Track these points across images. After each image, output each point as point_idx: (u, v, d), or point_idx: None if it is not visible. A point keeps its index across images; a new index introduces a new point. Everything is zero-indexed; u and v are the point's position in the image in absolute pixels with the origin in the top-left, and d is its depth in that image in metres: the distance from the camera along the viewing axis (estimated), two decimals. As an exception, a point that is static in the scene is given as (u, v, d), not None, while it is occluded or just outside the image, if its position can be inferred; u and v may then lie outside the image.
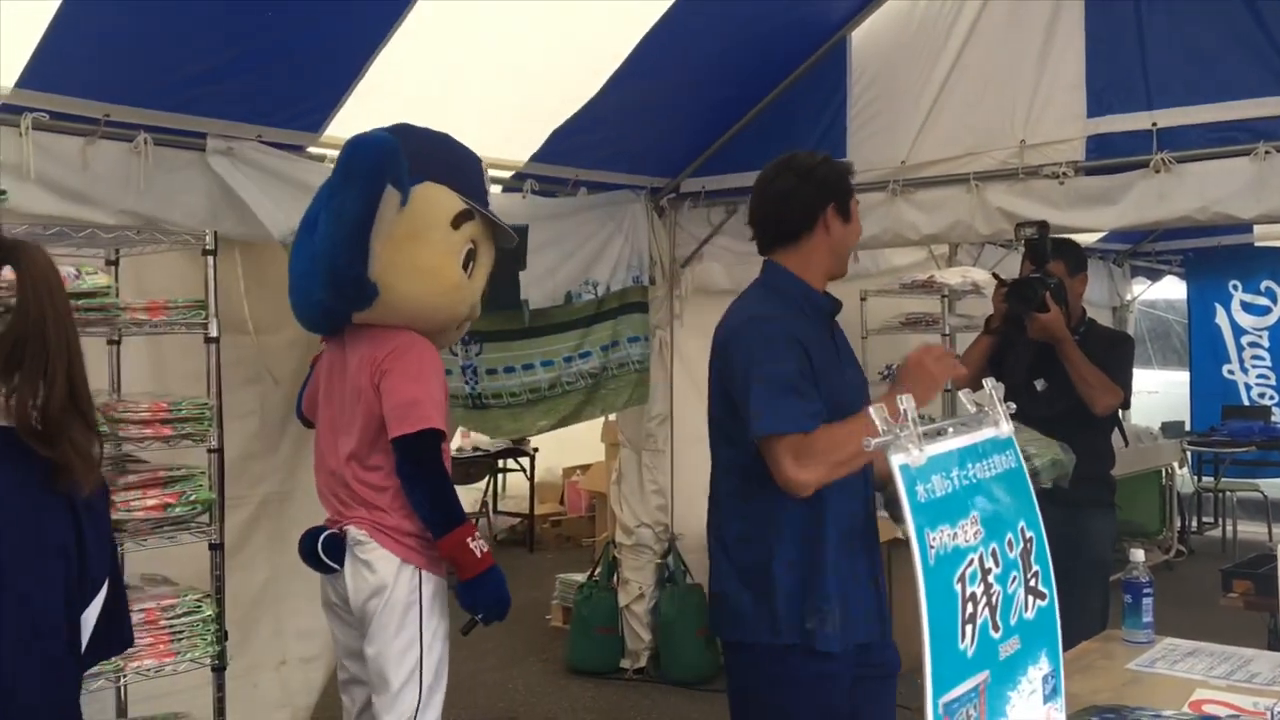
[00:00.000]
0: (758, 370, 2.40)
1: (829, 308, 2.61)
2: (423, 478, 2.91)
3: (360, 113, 3.86)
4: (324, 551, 2.99)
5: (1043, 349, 3.91)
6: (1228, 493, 8.42)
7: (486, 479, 8.62)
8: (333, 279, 2.95)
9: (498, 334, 4.67)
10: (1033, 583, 1.33)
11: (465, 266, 3.09)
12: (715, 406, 2.58)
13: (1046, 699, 1.38)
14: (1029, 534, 1.33)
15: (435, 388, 2.97)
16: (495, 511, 8.92)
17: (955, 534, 1.18)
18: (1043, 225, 3.93)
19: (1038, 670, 1.35)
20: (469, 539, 2.91)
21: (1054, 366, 3.89)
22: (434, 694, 2.98)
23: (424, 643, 2.95)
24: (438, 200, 3.03)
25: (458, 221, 3.05)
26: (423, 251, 3.00)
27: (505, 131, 4.36)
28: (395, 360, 2.95)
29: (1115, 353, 4.01)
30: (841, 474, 2.33)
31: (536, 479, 8.92)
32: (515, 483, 9.15)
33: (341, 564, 2.98)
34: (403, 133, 3.01)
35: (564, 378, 4.94)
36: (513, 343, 4.75)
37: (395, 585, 2.92)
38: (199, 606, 3.01)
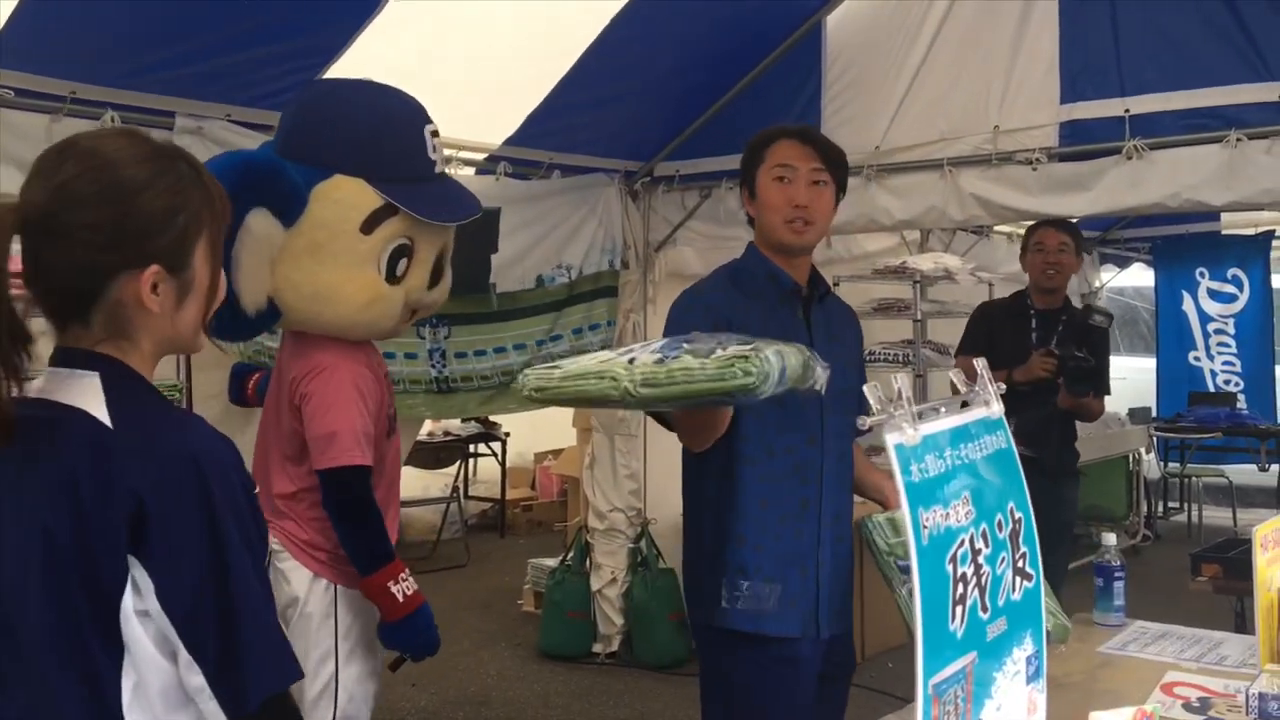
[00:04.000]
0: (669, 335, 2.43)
1: (789, 285, 2.56)
2: (340, 519, 2.67)
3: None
4: None
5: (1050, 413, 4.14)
6: (1193, 478, 8.51)
7: (458, 463, 8.59)
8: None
9: (466, 317, 4.64)
10: (1020, 564, 1.33)
11: (394, 267, 2.68)
12: None
13: (1030, 680, 1.38)
14: (1018, 515, 1.33)
15: (355, 415, 2.65)
16: (466, 496, 8.89)
17: (948, 514, 1.18)
18: (1110, 317, 4.25)
19: (1022, 651, 1.35)
20: (390, 582, 2.65)
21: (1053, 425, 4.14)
22: (350, 713, 2.76)
23: (339, 659, 2.73)
24: (345, 200, 2.61)
25: (371, 224, 2.61)
26: (322, 270, 2.61)
27: (480, 115, 4.33)
28: (312, 384, 2.67)
29: (1099, 352, 4.21)
30: (700, 440, 2.35)
31: (508, 464, 8.89)
32: (487, 467, 9.12)
33: None
34: (307, 108, 2.72)
35: (536, 361, 4.91)
36: (482, 326, 4.72)
37: (308, 599, 2.72)
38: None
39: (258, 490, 2.86)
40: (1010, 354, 4.08)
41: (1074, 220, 4.32)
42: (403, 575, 2.69)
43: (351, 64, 3.71)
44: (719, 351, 1.75)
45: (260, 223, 2.53)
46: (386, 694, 5.15)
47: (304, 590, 2.72)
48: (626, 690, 5.16)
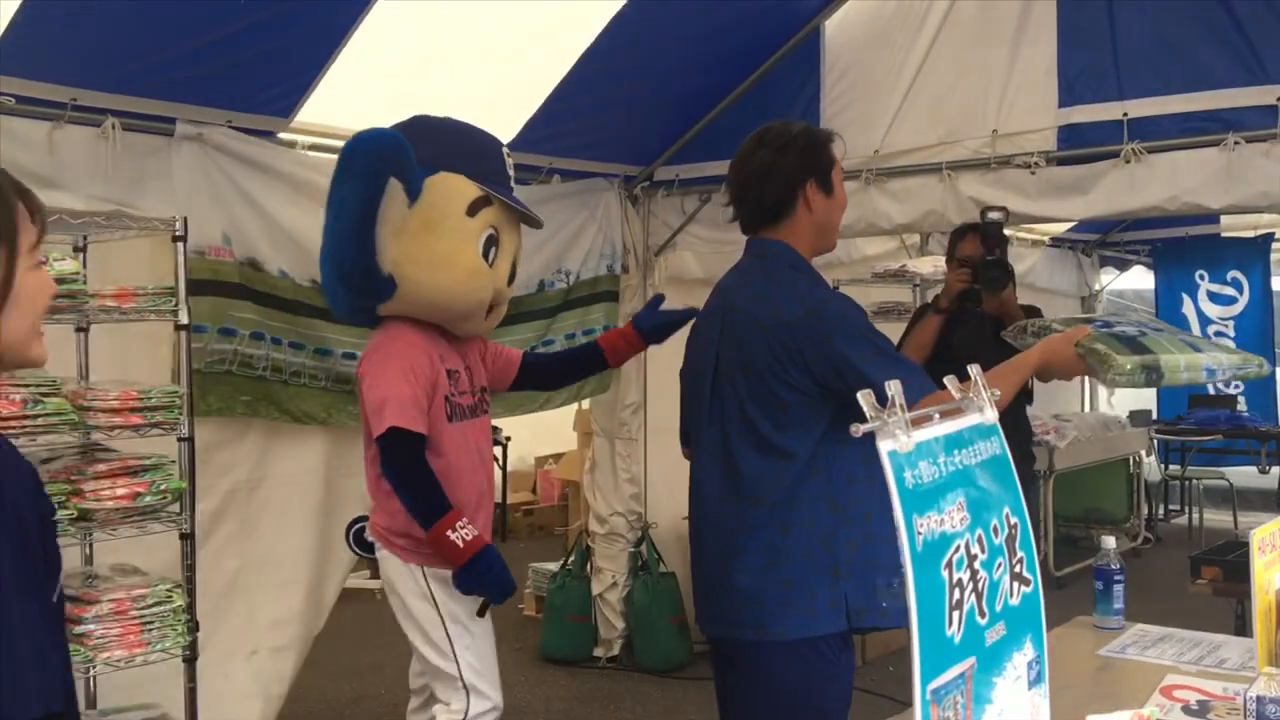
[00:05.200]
0: (869, 347, 2.33)
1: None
2: (392, 480, 2.90)
3: (331, 100, 3.84)
4: (354, 542, 3.17)
5: (982, 327, 4.08)
6: (1194, 480, 8.51)
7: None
8: (340, 274, 3.01)
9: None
10: (1017, 569, 1.33)
11: (486, 253, 3.06)
12: (775, 393, 2.41)
13: (1031, 685, 1.38)
14: (1013, 520, 1.33)
15: (402, 384, 2.90)
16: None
17: (942, 520, 1.18)
18: (1005, 210, 4.07)
19: (1023, 656, 1.35)
20: (449, 531, 2.86)
21: (989, 343, 4.04)
22: (480, 678, 3.02)
23: (450, 635, 2.99)
24: (453, 189, 3.01)
25: (474, 209, 3.02)
26: (438, 242, 2.98)
27: (478, 120, 4.33)
28: (367, 361, 2.98)
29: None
30: None
31: (509, 468, 8.89)
32: (487, 472, 9.14)
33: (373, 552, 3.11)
34: (417, 125, 3.06)
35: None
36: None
37: (399, 584, 3.01)
38: (170, 597, 2.98)
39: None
40: (967, 344, 4.09)
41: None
42: (460, 523, 2.89)
43: (352, 66, 3.72)
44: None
45: (396, 189, 2.91)
46: (387, 698, 5.16)
47: (396, 577, 3.02)
48: (627, 694, 5.16)
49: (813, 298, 2.42)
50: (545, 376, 3.68)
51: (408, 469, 2.90)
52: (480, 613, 3.05)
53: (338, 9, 3.56)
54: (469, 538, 2.88)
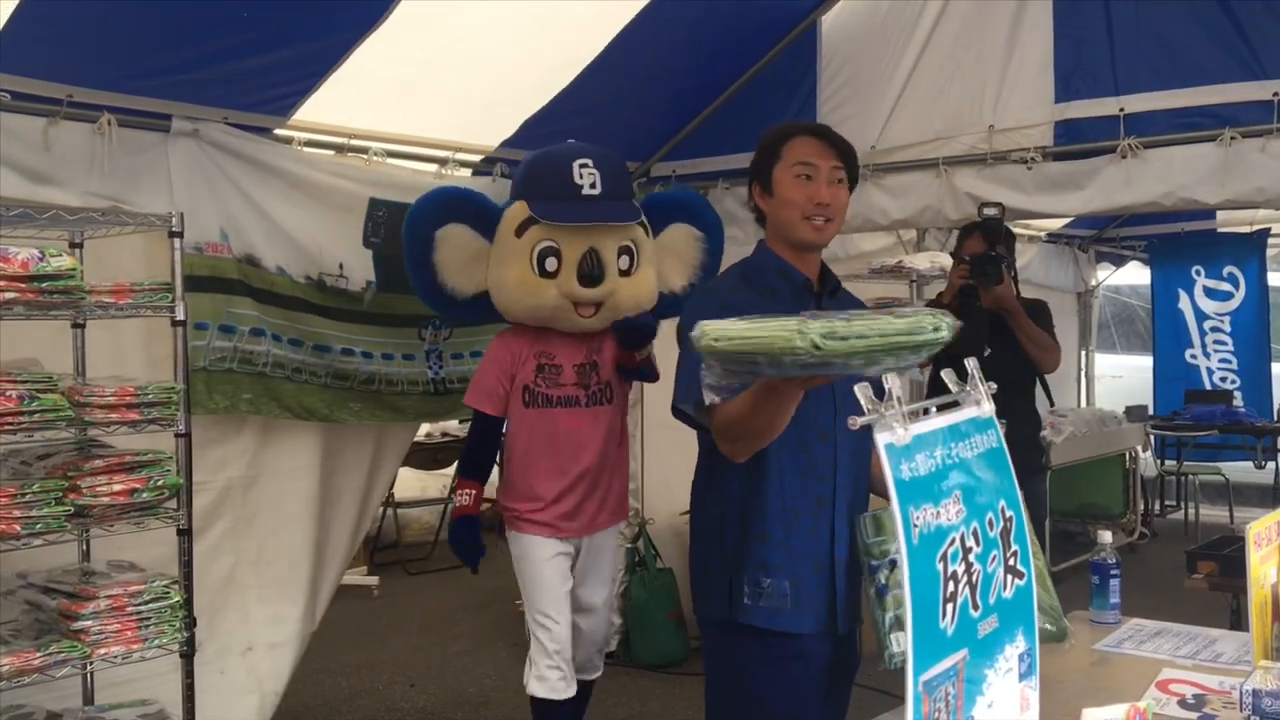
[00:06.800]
0: (684, 344, 2.40)
1: (800, 281, 2.55)
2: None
3: (331, 99, 3.84)
4: None
5: (981, 322, 4.16)
6: (1190, 476, 8.52)
7: (456, 464, 8.59)
8: (434, 307, 3.90)
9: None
10: (1012, 562, 1.33)
11: (544, 264, 3.63)
12: None
13: (1022, 677, 1.39)
14: (1009, 513, 1.33)
15: (481, 374, 3.76)
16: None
17: (938, 513, 1.18)
18: (1001, 206, 4.16)
19: (1014, 649, 1.36)
20: (457, 493, 3.77)
21: (996, 338, 4.13)
22: (536, 629, 3.71)
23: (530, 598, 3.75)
24: (510, 216, 3.70)
25: (521, 229, 3.65)
26: (498, 264, 3.72)
27: (477, 120, 4.34)
28: None
29: (1043, 319, 4.40)
30: (752, 445, 2.31)
31: (505, 465, 8.88)
32: (484, 468, 9.12)
33: None
34: (520, 164, 3.91)
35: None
36: (482, 327, 4.72)
37: (512, 549, 3.80)
38: (167, 593, 2.98)
39: None
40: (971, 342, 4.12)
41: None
42: (467, 490, 3.74)
43: (352, 70, 3.72)
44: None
45: (455, 232, 3.72)
46: (383, 693, 5.17)
47: (512, 544, 3.77)
48: (624, 690, 5.16)
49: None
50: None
51: (470, 435, 3.90)
52: (473, 571, 3.82)
53: (343, 22, 3.56)
54: (461, 503, 3.71)
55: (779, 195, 2.54)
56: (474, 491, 3.73)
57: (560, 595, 3.71)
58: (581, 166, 3.64)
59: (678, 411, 2.44)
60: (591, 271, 3.65)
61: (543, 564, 3.70)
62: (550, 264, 3.63)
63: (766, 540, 2.46)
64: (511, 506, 3.75)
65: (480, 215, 3.73)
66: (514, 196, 3.75)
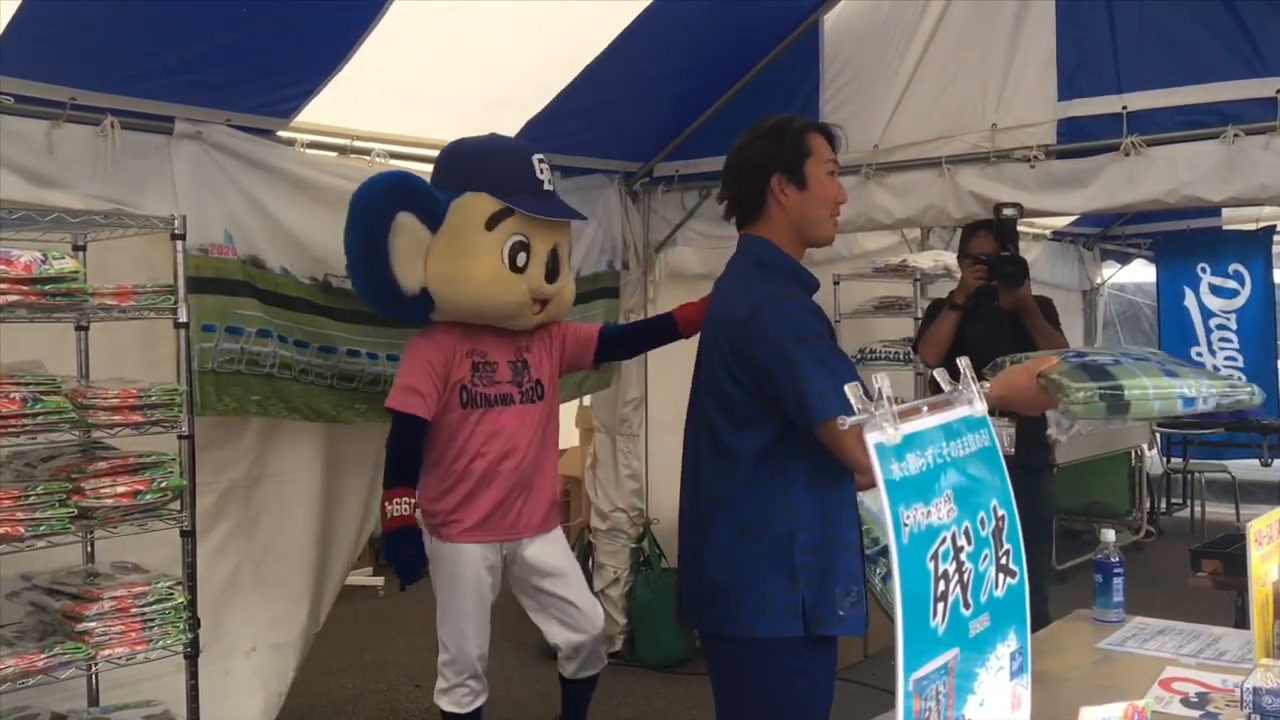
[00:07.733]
0: (804, 351, 2.27)
1: (812, 283, 2.51)
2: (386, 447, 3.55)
3: (333, 101, 3.84)
4: None
5: (998, 322, 4.23)
6: (1196, 474, 8.51)
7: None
8: (371, 302, 3.62)
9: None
10: (1003, 561, 1.34)
11: (514, 259, 3.48)
12: (725, 390, 2.42)
13: (1013, 675, 1.39)
14: (1001, 512, 1.33)
15: (405, 373, 3.50)
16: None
17: (929, 512, 1.18)
18: (1019, 206, 4.19)
19: (1006, 647, 1.36)
20: (387, 502, 3.41)
21: (1004, 338, 4.16)
22: (447, 641, 3.62)
23: (440, 604, 3.61)
24: (471, 208, 3.47)
25: (492, 222, 3.46)
26: (461, 257, 3.46)
27: (480, 120, 4.33)
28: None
29: (1051, 316, 4.45)
30: None
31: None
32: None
33: None
34: (448, 153, 3.62)
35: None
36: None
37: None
38: (171, 594, 2.98)
39: None
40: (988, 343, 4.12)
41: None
42: (399, 499, 3.40)
43: (354, 71, 3.72)
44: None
45: (407, 220, 3.44)
46: (388, 694, 5.18)
47: (433, 552, 3.56)
48: (629, 690, 5.17)
49: (759, 295, 2.39)
50: (620, 348, 4.06)
51: (390, 440, 3.51)
52: (401, 587, 3.66)
53: (343, 23, 3.57)
54: (396, 514, 3.38)
55: (814, 190, 2.45)
56: (410, 500, 3.44)
57: (479, 612, 3.62)
58: (540, 161, 3.58)
59: (814, 428, 2.22)
60: (555, 267, 3.60)
61: (464, 576, 3.57)
62: (521, 259, 3.50)
63: (849, 548, 2.40)
64: (434, 511, 3.59)
65: (428, 205, 3.50)
66: (462, 188, 3.51)
